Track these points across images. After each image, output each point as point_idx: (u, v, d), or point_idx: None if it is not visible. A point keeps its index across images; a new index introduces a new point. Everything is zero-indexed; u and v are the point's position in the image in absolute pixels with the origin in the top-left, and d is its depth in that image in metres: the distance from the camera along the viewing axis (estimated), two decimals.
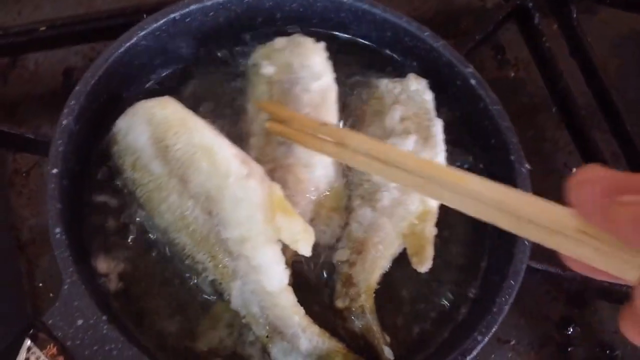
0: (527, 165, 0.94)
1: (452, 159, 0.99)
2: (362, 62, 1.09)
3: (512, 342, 1.05)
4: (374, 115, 1.01)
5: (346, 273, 0.91)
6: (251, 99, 0.99)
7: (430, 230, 0.92)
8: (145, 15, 1.08)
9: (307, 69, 0.98)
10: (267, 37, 1.04)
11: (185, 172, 0.85)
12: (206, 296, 0.88)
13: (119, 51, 0.95)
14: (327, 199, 0.95)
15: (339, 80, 1.02)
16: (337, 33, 1.10)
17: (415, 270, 0.90)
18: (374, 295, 0.90)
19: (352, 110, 1.03)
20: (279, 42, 1.01)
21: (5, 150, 1.09)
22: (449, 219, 0.94)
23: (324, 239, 0.93)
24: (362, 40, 1.10)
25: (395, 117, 0.98)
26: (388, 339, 0.88)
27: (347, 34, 1.09)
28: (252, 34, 1.07)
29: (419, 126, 0.97)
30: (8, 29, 1.12)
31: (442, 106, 1.03)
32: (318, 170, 0.94)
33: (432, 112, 1.00)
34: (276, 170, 0.93)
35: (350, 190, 0.97)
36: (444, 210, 0.93)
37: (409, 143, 0.95)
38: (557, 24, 1.27)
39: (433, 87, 1.03)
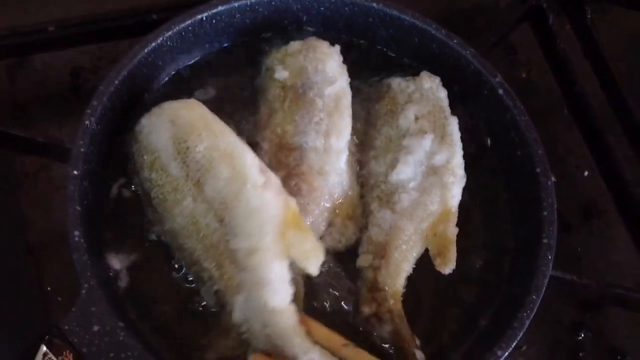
0: (553, 178, 0.94)
1: (474, 171, 0.98)
2: (381, 70, 1.08)
3: (524, 348, 1.04)
4: (386, 115, 1.00)
5: (371, 278, 0.90)
6: (265, 103, 0.99)
7: (452, 231, 0.91)
8: (155, 16, 1.08)
9: (322, 74, 0.97)
10: (292, 40, 1.03)
11: (203, 176, 0.85)
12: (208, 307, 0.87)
13: (145, 51, 0.95)
14: (342, 207, 0.94)
15: (356, 87, 1.01)
16: (361, 41, 1.09)
17: (434, 279, 0.90)
18: (401, 299, 0.89)
19: (364, 111, 1.03)
20: (293, 46, 1.00)
21: (14, 153, 1.07)
22: (467, 228, 0.93)
23: (339, 247, 0.93)
24: (386, 50, 1.09)
25: (409, 116, 0.97)
26: (418, 342, 0.87)
27: (370, 40, 1.08)
28: (279, 37, 1.06)
29: (435, 125, 0.96)
30: (15, 28, 1.10)
31: (467, 115, 1.03)
32: (332, 178, 0.93)
33: (447, 109, 0.99)
34: (290, 177, 0.92)
35: (367, 193, 0.96)
36: (462, 218, 0.92)
37: (426, 142, 0.94)
38: (570, 24, 1.26)
39: (459, 96, 1.03)
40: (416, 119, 0.97)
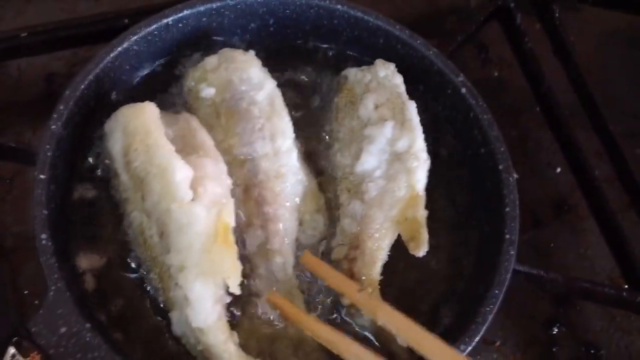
0: (515, 175, 0.95)
1: (439, 168, 1.00)
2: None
3: (498, 343, 1.05)
4: (346, 107, 1.01)
5: (347, 269, 0.91)
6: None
7: (422, 214, 0.92)
8: (126, 21, 1.09)
9: (248, 82, 0.97)
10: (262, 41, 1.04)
11: (144, 190, 0.85)
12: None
13: (111, 55, 0.95)
14: (307, 202, 0.95)
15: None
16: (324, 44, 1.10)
17: (399, 276, 0.91)
18: (378, 287, 0.90)
19: (325, 106, 1.04)
20: (210, 61, 0.99)
21: None
22: (432, 225, 0.93)
23: (314, 242, 0.94)
24: (350, 52, 1.10)
25: (369, 105, 0.98)
26: None
27: (338, 43, 1.09)
28: (244, 39, 1.08)
29: (394, 111, 0.97)
30: None
31: (431, 114, 1.04)
32: (290, 178, 0.94)
33: (404, 95, 1.00)
34: (250, 188, 0.93)
35: (335, 185, 0.97)
36: (427, 215, 0.93)
37: (387, 130, 0.95)
38: (539, 23, 1.27)
39: (424, 94, 1.04)
40: (375, 107, 0.98)
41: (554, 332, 1.07)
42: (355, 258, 0.91)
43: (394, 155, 0.95)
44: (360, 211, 0.93)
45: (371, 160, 0.95)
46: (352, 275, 0.90)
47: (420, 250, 0.89)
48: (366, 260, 0.90)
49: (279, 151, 0.95)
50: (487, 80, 1.16)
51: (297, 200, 0.95)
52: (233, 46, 1.04)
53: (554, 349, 1.06)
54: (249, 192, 0.92)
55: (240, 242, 0.90)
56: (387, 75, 1.00)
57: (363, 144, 0.96)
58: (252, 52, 1.00)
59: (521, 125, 1.24)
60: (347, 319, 0.91)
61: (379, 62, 1.02)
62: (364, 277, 0.90)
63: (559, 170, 1.21)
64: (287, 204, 0.93)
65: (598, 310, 1.09)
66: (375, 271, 0.91)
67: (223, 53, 1.00)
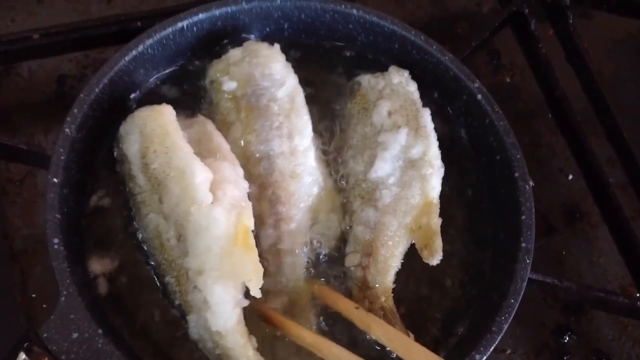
0: (531, 182, 0.94)
1: (454, 176, 0.99)
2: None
3: (508, 351, 1.05)
4: (359, 113, 1.00)
5: (361, 277, 0.91)
6: (218, 116, 0.97)
7: (436, 222, 0.91)
8: (139, 23, 1.08)
9: (269, 78, 0.96)
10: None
11: (161, 192, 0.85)
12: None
13: (126, 58, 0.95)
14: (322, 202, 0.95)
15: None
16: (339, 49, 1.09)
17: (414, 284, 0.91)
18: (392, 295, 0.90)
19: (338, 111, 1.03)
20: (234, 54, 0.98)
21: None
22: (447, 232, 0.93)
23: (328, 241, 0.94)
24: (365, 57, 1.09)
25: (382, 112, 0.98)
26: (412, 335, 0.88)
27: (353, 48, 1.09)
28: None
29: (408, 118, 0.97)
30: (1, 36, 1.11)
31: (448, 121, 1.04)
32: (305, 178, 0.93)
33: (419, 102, 0.99)
34: (265, 187, 0.92)
35: (348, 192, 0.96)
36: (442, 223, 0.92)
37: (401, 137, 0.95)
38: (553, 29, 1.26)
39: (438, 100, 1.04)
40: (389, 114, 0.97)
41: (565, 341, 1.07)
42: (369, 265, 0.90)
43: (408, 162, 0.94)
44: (373, 218, 0.92)
45: (385, 167, 0.94)
46: (365, 282, 0.90)
47: (435, 258, 0.89)
48: (379, 268, 0.90)
49: (296, 150, 0.94)
50: (499, 86, 1.15)
51: (312, 200, 0.94)
52: None
53: (564, 358, 1.06)
54: (263, 190, 0.92)
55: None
56: (401, 82, 1.00)
57: (377, 150, 0.95)
58: (277, 46, 0.99)
59: (533, 131, 1.24)
60: None
61: (393, 69, 1.01)
62: (377, 285, 0.89)
63: (571, 177, 1.20)
64: (301, 204, 0.93)
65: (609, 318, 1.09)
66: (388, 279, 0.90)
67: (248, 46, 0.99)
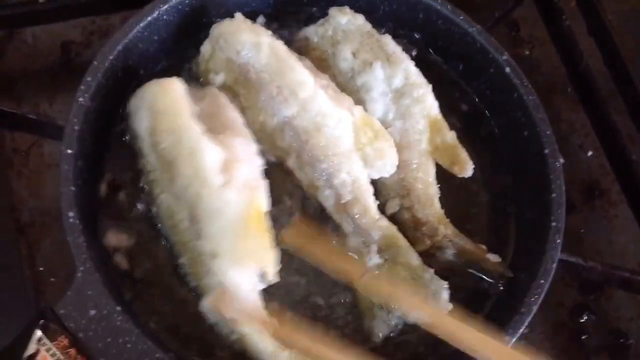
0: (561, 159, 0.92)
1: (479, 153, 0.97)
2: None
3: (526, 331, 1.02)
4: (322, 66, 0.96)
5: (410, 218, 0.90)
6: None
7: (451, 136, 0.92)
8: None
9: (244, 51, 0.90)
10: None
11: (172, 173, 0.82)
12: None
13: (140, 25, 0.91)
14: (361, 134, 0.90)
15: None
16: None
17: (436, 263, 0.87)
18: (447, 219, 0.90)
19: None
20: (205, 49, 0.93)
21: (3, 129, 1.04)
22: (472, 211, 0.92)
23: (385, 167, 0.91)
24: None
25: (347, 56, 0.95)
26: (484, 246, 0.88)
27: (373, 17, 1.02)
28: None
29: (374, 51, 0.94)
30: (5, 0, 1.07)
31: (472, 94, 1.02)
32: (330, 122, 0.88)
33: (374, 31, 0.97)
34: (300, 154, 0.88)
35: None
36: (466, 201, 0.91)
37: (377, 72, 0.93)
38: (574, 1, 1.22)
39: (464, 74, 1.02)
40: (354, 55, 0.95)
41: (583, 320, 1.05)
42: (412, 204, 0.89)
43: (395, 93, 0.93)
44: None
45: (378, 108, 0.92)
46: (416, 221, 0.89)
47: (466, 170, 0.90)
48: (423, 202, 0.90)
49: (305, 102, 0.88)
50: (517, 60, 1.12)
51: (349, 138, 0.89)
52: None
53: (582, 337, 1.04)
54: (300, 158, 0.88)
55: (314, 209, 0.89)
56: (350, 19, 0.97)
57: (361, 94, 0.93)
58: (237, 15, 0.94)
59: (552, 106, 1.20)
60: None
61: (334, 10, 0.97)
62: (430, 218, 0.89)
63: (590, 153, 1.18)
64: (340, 149, 0.88)
65: (628, 298, 1.07)
66: (436, 205, 0.90)
67: (212, 32, 0.93)
